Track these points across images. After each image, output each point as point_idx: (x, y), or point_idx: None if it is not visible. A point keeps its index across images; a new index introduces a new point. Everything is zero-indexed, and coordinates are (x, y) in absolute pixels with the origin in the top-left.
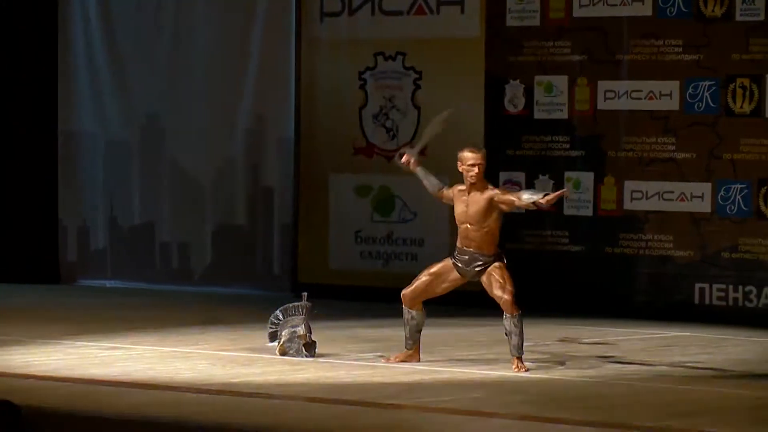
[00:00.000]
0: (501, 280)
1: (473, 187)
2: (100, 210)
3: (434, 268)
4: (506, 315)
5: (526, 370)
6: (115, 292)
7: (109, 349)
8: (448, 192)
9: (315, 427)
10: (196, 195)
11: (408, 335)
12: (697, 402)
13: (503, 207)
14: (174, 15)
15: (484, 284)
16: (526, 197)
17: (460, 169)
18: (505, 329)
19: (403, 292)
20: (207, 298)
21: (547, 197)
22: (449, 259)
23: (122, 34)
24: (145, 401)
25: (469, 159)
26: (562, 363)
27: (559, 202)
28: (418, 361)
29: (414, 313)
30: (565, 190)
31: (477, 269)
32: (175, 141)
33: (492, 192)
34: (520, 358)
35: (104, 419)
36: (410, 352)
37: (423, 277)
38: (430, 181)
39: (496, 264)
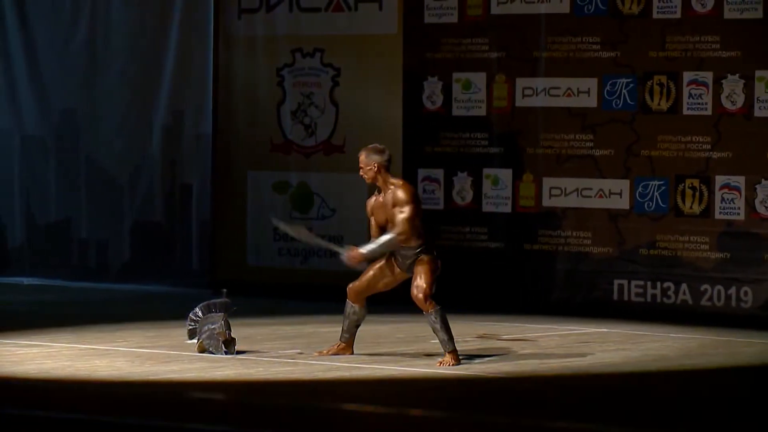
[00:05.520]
0: (419, 277)
1: (381, 188)
2: (16, 207)
3: (380, 263)
4: (424, 313)
5: (454, 364)
6: (33, 290)
7: (27, 347)
8: (369, 213)
9: (235, 424)
10: (114, 191)
11: (345, 328)
12: (615, 398)
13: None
14: (91, 9)
15: None
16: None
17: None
18: (431, 327)
19: (349, 285)
20: (125, 295)
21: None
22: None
23: (37, 28)
24: (65, 398)
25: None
26: (481, 359)
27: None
28: (351, 353)
29: (356, 307)
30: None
31: (408, 263)
32: (92, 137)
33: (393, 193)
34: (452, 353)
35: (23, 416)
36: (343, 344)
37: (369, 272)
38: (381, 241)
39: (422, 257)
